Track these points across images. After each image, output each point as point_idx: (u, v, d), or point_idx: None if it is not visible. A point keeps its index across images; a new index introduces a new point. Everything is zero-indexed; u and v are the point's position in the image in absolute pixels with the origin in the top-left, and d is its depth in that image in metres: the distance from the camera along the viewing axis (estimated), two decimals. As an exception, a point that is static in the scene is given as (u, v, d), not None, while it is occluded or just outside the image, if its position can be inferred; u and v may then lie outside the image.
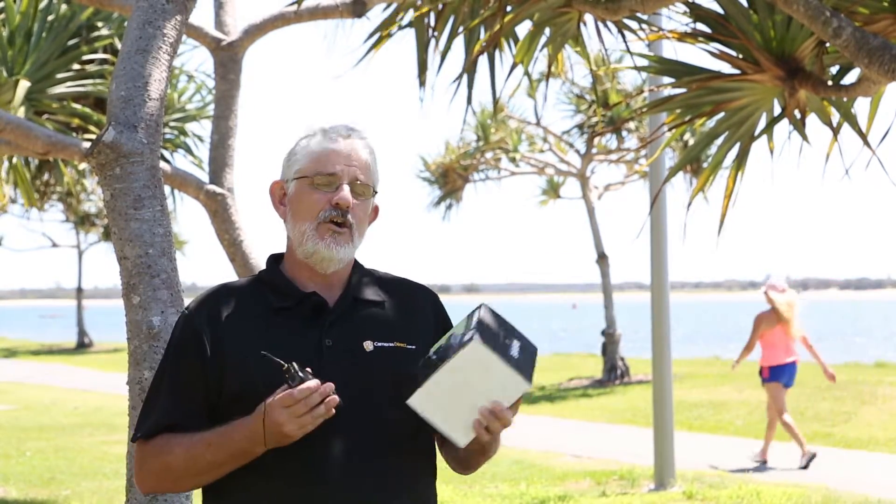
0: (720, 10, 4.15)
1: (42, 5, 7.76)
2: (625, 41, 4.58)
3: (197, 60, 46.05)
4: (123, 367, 3.89)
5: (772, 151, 4.39)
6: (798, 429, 10.60)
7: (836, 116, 4.26)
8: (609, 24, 4.63)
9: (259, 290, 2.33)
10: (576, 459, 11.03)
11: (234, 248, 6.33)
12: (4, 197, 9.07)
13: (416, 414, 2.15)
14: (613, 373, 18.49)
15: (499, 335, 2.14)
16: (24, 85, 7.45)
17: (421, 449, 2.27)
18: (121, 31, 8.30)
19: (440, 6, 4.88)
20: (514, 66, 4.87)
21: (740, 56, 4.12)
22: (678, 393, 13.97)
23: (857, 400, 14.78)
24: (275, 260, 2.39)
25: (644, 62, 4.69)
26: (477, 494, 8.94)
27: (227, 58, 6.56)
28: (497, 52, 5.40)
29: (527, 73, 5.08)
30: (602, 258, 18.97)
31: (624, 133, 18.94)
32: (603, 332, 18.71)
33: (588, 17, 4.60)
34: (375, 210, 2.40)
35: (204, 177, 6.56)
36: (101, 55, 8.27)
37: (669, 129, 4.65)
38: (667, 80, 4.86)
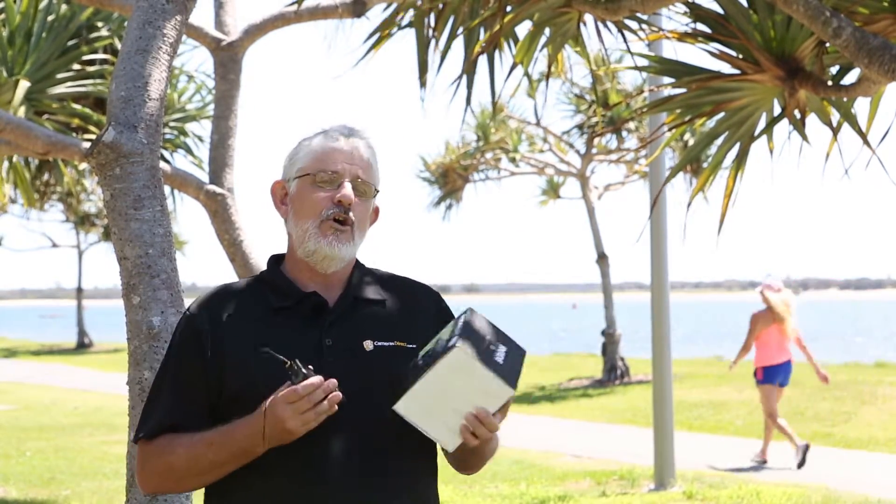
0: (720, 10, 4.15)
1: (42, 5, 7.76)
2: (625, 41, 4.58)
3: (197, 60, 46.07)
4: (123, 367, 3.89)
5: (772, 151, 4.39)
6: (789, 427, 10.59)
7: (836, 116, 4.26)
8: (609, 24, 4.63)
9: (259, 290, 2.34)
10: (576, 459, 11.03)
11: (234, 248, 6.33)
12: (4, 197, 9.07)
13: None
14: (613, 373, 18.49)
15: (483, 341, 2.14)
16: (24, 85, 7.45)
17: (422, 448, 2.27)
18: (121, 31, 8.30)
19: (440, 6, 4.88)
20: (514, 67, 4.86)
21: (740, 56, 4.12)
22: (678, 393, 13.96)
23: (857, 400, 14.78)
24: (275, 261, 2.40)
25: (644, 62, 4.68)
26: (477, 494, 8.94)
27: (227, 58, 6.56)
28: (497, 53, 5.40)
29: (527, 74, 5.08)
30: (602, 258, 18.97)
31: (624, 133, 18.95)
32: (603, 332, 18.71)
33: (588, 17, 4.60)
34: (376, 211, 2.40)
35: (204, 177, 6.56)
36: (101, 55, 8.28)
37: (669, 129, 4.65)
38: (667, 80, 4.86)
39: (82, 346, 34.12)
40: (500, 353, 2.15)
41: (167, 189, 6.90)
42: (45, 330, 58.12)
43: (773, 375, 10.54)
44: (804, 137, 4.23)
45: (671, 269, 9.64)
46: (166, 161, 7.53)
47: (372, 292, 2.35)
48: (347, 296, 2.31)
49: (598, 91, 17.16)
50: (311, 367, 2.14)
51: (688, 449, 10.81)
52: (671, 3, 4.04)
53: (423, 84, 5.46)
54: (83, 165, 8.70)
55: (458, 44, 5.24)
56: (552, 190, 21.62)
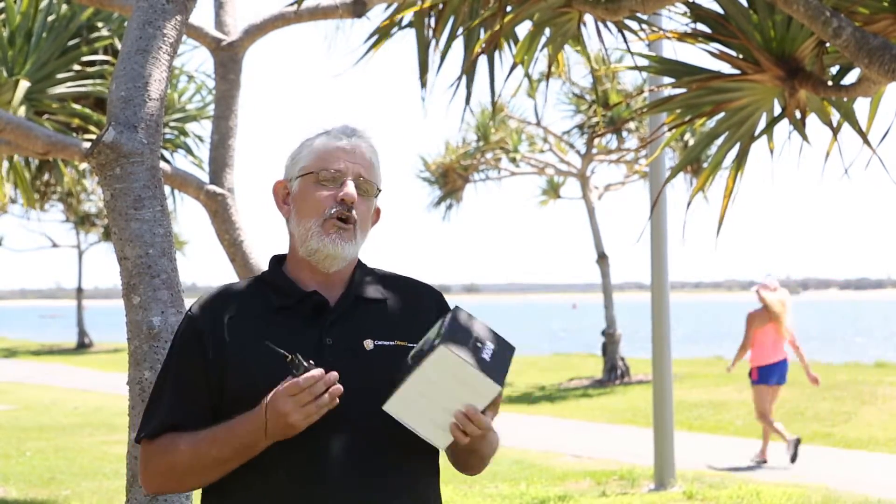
0: (720, 10, 4.15)
1: (42, 5, 7.76)
2: (625, 41, 4.57)
3: (197, 60, 46.07)
4: (123, 367, 3.89)
5: (772, 151, 4.39)
6: (779, 425, 10.63)
7: (836, 116, 4.26)
8: (609, 24, 4.63)
9: (261, 290, 2.34)
10: (576, 459, 11.03)
11: (234, 248, 6.33)
12: (4, 197, 9.07)
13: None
14: (613, 373, 18.50)
15: (469, 339, 2.15)
16: (24, 85, 7.45)
17: (423, 448, 2.27)
18: (121, 32, 8.30)
19: (440, 6, 4.88)
20: (514, 67, 4.86)
21: (740, 56, 4.12)
22: (678, 393, 13.96)
23: (857, 400, 14.78)
24: (277, 261, 2.40)
25: (644, 62, 4.68)
26: (477, 494, 8.95)
27: (227, 58, 6.56)
28: (497, 53, 5.40)
29: (527, 74, 5.08)
30: (602, 258, 18.98)
31: (624, 133, 18.95)
32: (603, 332, 18.71)
33: (588, 17, 4.60)
34: (377, 212, 2.40)
35: (204, 177, 6.56)
36: (101, 55, 8.28)
37: (669, 129, 4.65)
38: (667, 80, 4.86)
39: (82, 346, 34.12)
40: (487, 351, 2.16)
41: (167, 189, 6.90)
42: (45, 330, 58.12)
43: (767, 375, 10.56)
44: (804, 137, 4.23)
45: (671, 269, 9.65)
46: (166, 161, 7.53)
47: (373, 292, 2.35)
48: (348, 295, 2.31)
49: (598, 91, 17.15)
50: (311, 361, 2.14)
51: (688, 449, 10.81)
52: (671, 3, 4.04)
53: (423, 84, 5.46)
54: (83, 165, 8.70)
55: (459, 44, 5.24)
56: (552, 190, 21.62)
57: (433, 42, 5.09)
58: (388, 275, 2.41)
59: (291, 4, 6.48)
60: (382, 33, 5.30)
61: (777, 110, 4.28)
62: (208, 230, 6.88)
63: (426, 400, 2.13)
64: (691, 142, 15.02)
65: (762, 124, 4.37)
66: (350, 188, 2.29)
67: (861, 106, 4.27)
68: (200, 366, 2.26)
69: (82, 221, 31.33)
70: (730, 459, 10.75)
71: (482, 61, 5.34)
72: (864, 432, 12.24)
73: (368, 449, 2.20)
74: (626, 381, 18.29)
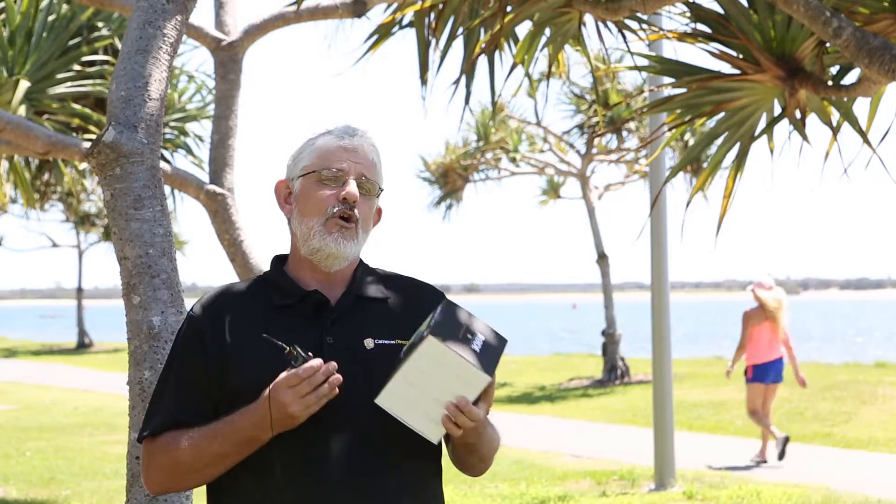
0: (720, 10, 4.15)
1: (42, 5, 7.76)
2: (625, 41, 4.57)
3: (197, 60, 46.03)
4: (123, 367, 3.90)
5: (772, 151, 4.39)
6: (767, 421, 10.69)
7: (836, 116, 4.26)
8: (609, 24, 4.63)
9: (262, 289, 2.35)
10: (576, 459, 11.03)
11: (234, 248, 6.33)
12: (4, 197, 9.07)
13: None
14: (613, 373, 18.49)
15: (458, 330, 2.15)
16: (24, 85, 7.45)
17: (424, 448, 2.27)
18: (121, 31, 8.30)
19: (440, 6, 4.88)
20: (514, 67, 4.86)
21: (740, 56, 4.12)
22: (678, 393, 13.96)
23: (857, 400, 14.77)
24: (279, 261, 2.40)
25: (644, 62, 4.68)
26: (477, 494, 8.95)
27: (228, 58, 6.56)
28: (497, 53, 5.40)
29: (527, 74, 5.08)
30: (602, 258, 18.98)
31: (624, 133, 18.95)
32: (603, 332, 18.71)
33: (588, 18, 4.60)
34: (379, 212, 2.41)
35: (204, 177, 6.56)
36: (101, 55, 8.28)
37: (669, 129, 4.65)
38: (667, 80, 4.86)
39: (82, 346, 34.12)
40: (477, 342, 2.16)
41: (167, 189, 6.90)
42: (45, 330, 58.13)
43: (762, 374, 10.60)
44: (804, 137, 4.23)
45: (671, 269, 9.65)
46: (166, 161, 7.53)
47: (374, 291, 2.35)
48: (349, 294, 2.32)
49: (598, 91, 17.11)
50: (310, 353, 2.15)
51: (688, 449, 10.81)
52: (671, 3, 4.04)
53: (423, 82, 5.46)
54: (83, 165, 8.70)
55: (459, 44, 5.24)
56: (552, 190, 21.61)
57: (433, 42, 5.09)
58: (389, 274, 2.42)
59: (291, 4, 6.48)
60: (382, 33, 5.30)
61: (777, 110, 4.28)
62: (208, 230, 6.89)
63: (417, 392, 2.13)
64: (691, 142, 15.02)
65: (762, 124, 4.37)
66: (352, 187, 2.29)
67: (861, 106, 4.27)
68: (202, 365, 2.26)
69: (82, 221, 31.33)
70: (730, 459, 10.75)
71: (482, 61, 5.34)
72: (864, 432, 12.23)
73: (368, 448, 2.20)
74: (626, 381, 18.29)
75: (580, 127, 19.03)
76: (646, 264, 9.67)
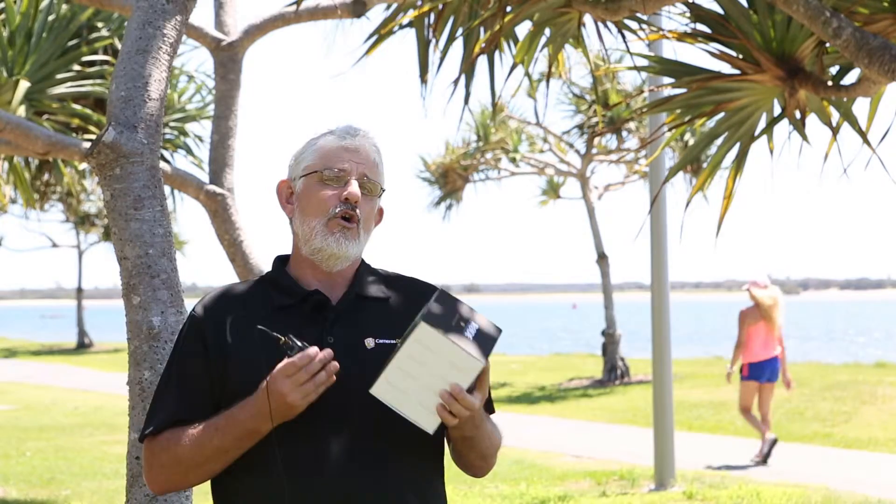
0: (720, 11, 4.15)
1: (42, 6, 7.76)
2: (625, 41, 4.57)
3: (197, 60, 46.09)
4: (123, 367, 3.90)
5: (772, 151, 4.39)
6: (758, 422, 10.75)
7: (836, 116, 4.26)
8: (609, 24, 4.63)
9: (263, 289, 2.35)
10: (576, 459, 11.03)
11: (234, 248, 6.33)
12: (4, 197, 9.07)
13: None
14: (613, 373, 18.49)
15: (451, 318, 2.15)
16: (24, 85, 7.45)
17: (425, 448, 2.27)
18: (121, 32, 8.31)
19: (440, 6, 4.88)
20: (514, 67, 4.86)
21: (740, 56, 4.12)
22: (678, 393, 13.97)
23: (857, 400, 14.78)
24: (281, 261, 2.41)
25: (644, 62, 4.68)
26: (477, 494, 8.95)
27: (227, 58, 6.56)
28: (497, 53, 5.40)
29: (527, 74, 5.08)
30: (602, 258, 18.98)
31: (624, 133, 18.95)
32: (603, 333, 18.71)
33: (588, 18, 4.60)
34: (380, 212, 2.41)
35: (204, 177, 6.56)
36: (101, 55, 8.28)
37: (669, 130, 4.65)
38: (667, 80, 4.86)
39: (82, 346, 34.13)
40: (471, 330, 2.16)
41: (167, 189, 6.91)
42: (45, 330, 58.16)
43: (758, 372, 10.64)
44: (804, 137, 4.23)
45: (671, 269, 9.65)
46: (166, 161, 7.53)
47: (375, 291, 2.35)
48: (350, 294, 2.32)
49: (598, 91, 17.14)
50: (305, 342, 2.15)
51: (688, 449, 10.82)
52: (671, 3, 4.04)
53: (423, 81, 5.46)
54: (83, 165, 8.70)
55: (459, 44, 5.24)
56: (552, 190, 21.61)
57: (433, 42, 5.10)
58: (390, 275, 2.42)
59: (291, 4, 6.48)
60: (382, 33, 5.30)
61: (777, 110, 4.28)
62: (208, 230, 6.89)
63: (411, 381, 2.13)
64: (691, 142, 15.02)
65: (762, 124, 4.37)
66: (354, 187, 2.30)
67: (861, 106, 4.28)
68: (203, 365, 2.27)
69: (82, 221, 31.34)
70: (730, 459, 10.75)
71: (482, 61, 5.34)
72: (864, 432, 12.23)
73: (369, 447, 2.21)
74: (626, 381, 18.29)
75: (580, 127, 19.04)
76: (646, 264, 9.67)
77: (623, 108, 17.58)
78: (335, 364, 2.14)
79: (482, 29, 5.03)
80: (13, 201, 20.05)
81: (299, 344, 2.14)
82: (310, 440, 2.18)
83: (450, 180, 20.50)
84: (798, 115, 4.16)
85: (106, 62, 8.31)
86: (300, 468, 2.18)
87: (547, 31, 4.76)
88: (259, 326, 2.19)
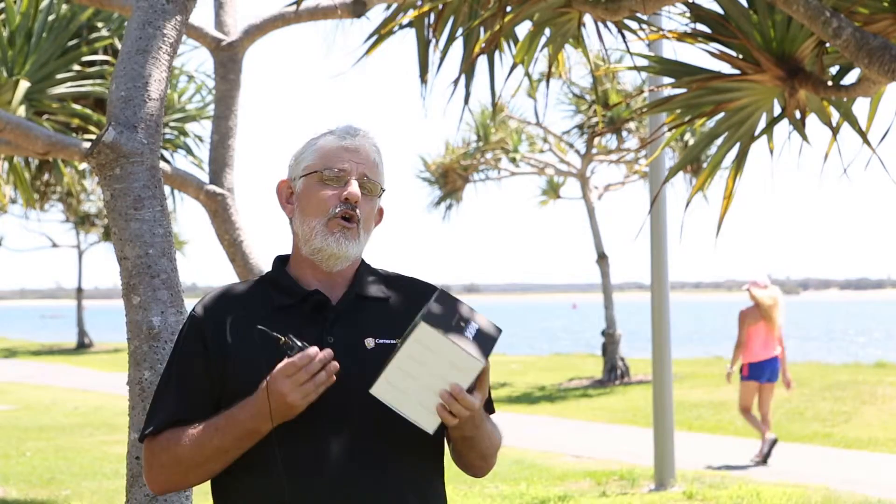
0: (720, 11, 4.15)
1: (42, 5, 7.76)
2: (625, 41, 4.57)
3: (197, 60, 46.07)
4: (123, 367, 3.90)
5: (772, 151, 4.39)
6: (759, 422, 10.77)
7: (836, 116, 4.26)
8: (609, 24, 4.63)
9: (263, 290, 2.35)
10: (576, 459, 11.03)
11: (234, 248, 6.33)
12: (4, 197, 9.07)
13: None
14: (613, 373, 18.49)
15: (451, 317, 2.15)
16: (24, 85, 7.45)
17: (425, 448, 2.27)
18: (121, 32, 8.31)
19: (440, 6, 4.88)
20: (514, 67, 4.86)
21: (740, 56, 4.12)
22: (678, 393, 13.96)
23: (857, 400, 14.78)
24: (281, 261, 2.41)
25: (644, 62, 4.68)
26: (477, 494, 8.95)
27: (227, 58, 6.56)
28: (497, 53, 5.40)
29: (527, 74, 5.08)
30: (602, 258, 18.98)
31: (624, 133, 18.95)
32: (603, 333, 18.71)
33: (588, 18, 4.60)
34: (381, 212, 2.41)
35: (204, 177, 6.56)
36: (101, 55, 8.28)
37: (669, 130, 4.65)
38: (667, 80, 4.86)
39: (82, 346, 34.13)
40: (471, 330, 2.15)
41: (167, 189, 6.90)
42: (45, 330, 58.16)
43: (757, 372, 10.66)
44: (804, 137, 4.23)
45: (671, 269, 9.65)
46: (166, 161, 7.53)
47: (375, 291, 2.35)
48: (350, 294, 2.32)
49: (598, 91, 17.13)
50: (305, 342, 2.15)
51: (688, 449, 10.82)
52: (671, 3, 4.04)
53: (423, 80, 5.46)
54: (83, 165, 8.70)
55: (459, 43, 5.24)
56: (552, 190, 21.61)
57: (433, 42, 5.10)
58: (390, 275, 2.42)
59: (291, 4, 6.48)
60: (382, 33, 5.30)
61: (777, 110, 4.28)
62: (208, 230, 6.89)
63: (411, 381, 2.13)
64: (691, 142, 15.02)
65: (762, 124, 4.37)
66: (354, 187, 2.30)
67: (861, 106, 4.28)
68: (203, 365, 2.27)
69: (82, 221, 31.34)
70: (730, 459, 10.75)
71: (482, 61, 5.34)
72: (864, 432, 12.23)
73: (369, 447, 2.21)
74: (626, 381, 18.29)
75: (580, 127, 19.04)
76: (646, 264, 9.67)
77: (623, 108, 17.58)
78: (335, 364, 2.14)
79: (482, 29, 5.03)
80: (13, 201, 20.05)
81: (299, 344, 2.14)
82: (310, 440, 2.18)
83: (450, 180, 20.50)
84: (798, 115, 4.16)
85: (106, 62, 8.31)
86: (300, 468, 2.18)
87: (547, 31, 4.76)
88: (259, 326, 2.19)
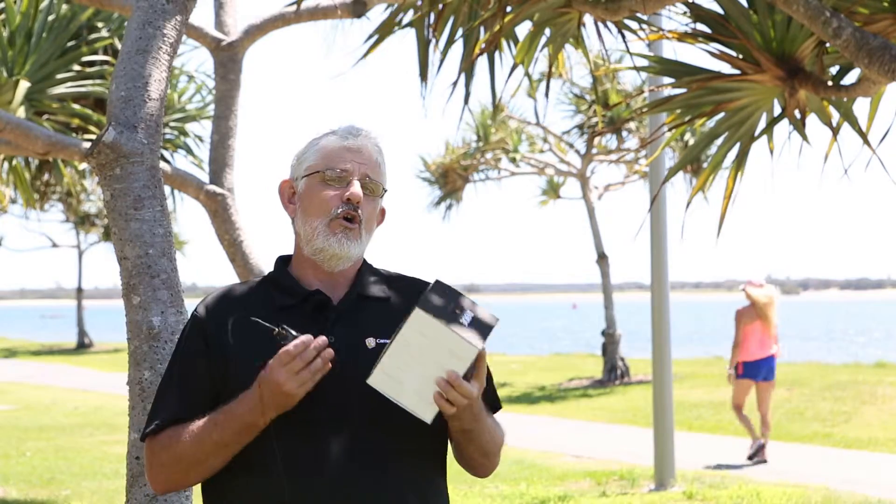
0: (720, 11, 4.15)
1: (42, 6, 7.76)
2: (625, 41, 4.57)
3: (197, 60, 46.03)
4: (123, 367, 3.90)
5: (772, 151, 4.39)
6: (749, 423, 10.85)
7: (836, 116, 4.26)
8: (609, 24, 4.63)
9: (265, 290, 2.35)
10: (576, 459, 11.03)
11: (234, 248, 6.33)
12: (4, 198, 9.07)
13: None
14: (613, 373, 18.50)
15: (446, 305, 2.15)
16: (24, 85, 7.45)
17: (426, 447, 2.27)
18: (121, 32, 8.31)
19: (440, 7, 4.88)
20: (514, 67, 4.87)
21: (740, 56, 4.12)
22: (678, 393, 13.96)
23: (857, 400, 14.77)
24: (283, 261, 2.41)
25: (644, 62, 4.68)
26: (477, 494, 8.95)
27: (227, 58, 6.56)
28: (497, 53, 5.40)
29: (527, 74, 5.08)
30: (602, 258, 18.98)
31: (624, 133, 18.95)
32: (603, 333, 18.71)
33: (588, 18, 4.60)
34: (382, 212, 2.41)
35: (204, 177, 6.56)
36: (101, 56, 8.28)
37: (669, 130, 4.65)
38: (667, 80, 4.86)
39: (82, 346, 34.14)
40: (466, 317, 2.15)
41: (167, 189, 6.90)
42: (45, 330, 58.16)
43: (753, 371, 10.70)
44: (804, 138, 4.23)
45: (671, 269, 9.65)
46: (166, 161, 7.53)
47: (377, 291, 2.36)
48: (352, 294, 2.32)
49: (598, 91, 17.15)
50: (300, 333, 2.15)
51: (688, 449, 10.82)
52: (671, 3, 4.04)
53: (423, 79, 5.46)
54: (83, 165, 8.71)
55: (459, 44, 5.24)
56: (552, 190, 21.62)
57: (433, 42, 5.10)
58: (392, 275, 2.42)
59: (291, 4, 6.48)
60: (382, 33, 5.30)
61: (777, 110, 4.28)
62: (208, 230, 6.89)
63: (408, 370, 2.13)
64: (691, 142, 15.02)
65: (762, 124, 4.37)
66: (356, 188, 2.30)
67: (861, 106, 4.27)
68: (204, 365, 2.27)
69: (82, 221, 31.35)
70: (730, 459, 10.75)
71: (482, 61, 5.34)
72: (864, 432, 12.24)
73: (370, 447, 2.20)
74: (626, 381, 18.29)
75: (580, 127, 19.04)
76: (646, 264, 9.67)
77: (623, 108, 17.58)
78: (329, 351, 2.14)
79: (482, 29, 5.03)
80: (13, 201, 20.05)
81: (293, 333, 2.15)
82: (310, 440, 2.18)
83: (450, 180, 20.50)
84: (798, 115, 4.16)
85: (106, 62, 8.31)
86: (300, 468, 2.18)
87: (547, 31, 4.76)
88: (253, 318, 2.20)
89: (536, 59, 4.91)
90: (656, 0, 3.95)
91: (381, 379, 2.14)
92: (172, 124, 9.24)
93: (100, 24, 8.31)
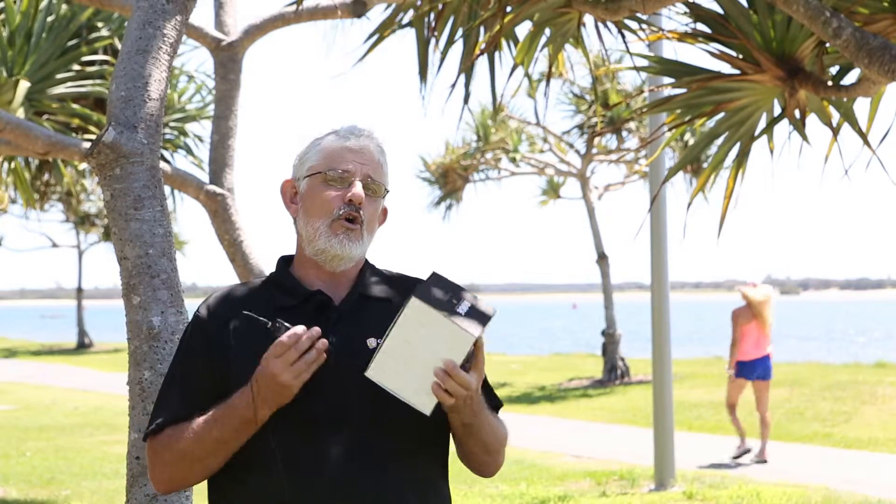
0: (720, 11, 4.15)
1: (42, 5, 7.76)
2: (625, 41, 4.57)
3: (197, 60, 46.03)
4: (123, 367, 3.90)
5: (772, 151, 4.39)
6: (742, 424, 10.92)
7: (836, 117, 4.26)
8: (609, 24, 4.63)
9: (266, 290, 2.35)
10: (576, 459, 11.03)
11: (234, 248, 6.33)
12: (6, 200, 9.07)
13: (420, 413, 2.15)
14: (613, 373, 18.50)
15: (443, 294, 2.15)
16: (24, 85, 7.45)
17: (427, 448, 2.27)
18: (121, 32, 8.31)
19: (440, 6, 4.88)
20: (514, 67, 4.87)
21: (740, 56, 4.12)
22: (678, 393, 13.96)
23: (857, 400, 14.77)
24: (285, 261, 2.41)
25: (644, 62, 4.68)
26: (477, 494, 8.95)
27: (227, 58, 6.56)
28: (497, 53, 5.40)
29: (527, 74, 5.08)
30: (602, 258, 18.98)
31: (624, 133, 18.95)
32: (603, 333, 18.71)
33: (588, 18, 4.60)
34: (384, 212, 2.41)
35: (204, 177, 6.56)
36: (101, 55, 8.28)
37: (669, 129, 4.65)
38: (667, 80, 4.86)
39: (82, 346, 34.14)
40: (463, 307, 2.15)
41: (167, 189, 6.91)
42: (45, 330, 58.16)
43: (747, 371, 10.74)
44: (804, 138, 4.23)
45: (671, 269, 9.65)
46: (166, 161, 7.53)
47: (378, 291, 2.35)
48: (353, 294, 2.32)
49: (598, 91, 17.16)
50: (294, 326, 2.15)
51: (688, 449, 10.82)
52: (671, 3, 4.04)
53: (423, 79, 5.46)
54: (83, 165, 8.70)
55: (459, 44, 5.24)
56: (552, 190, 21.62)
57: (433, 42, 5.10)
58: (394, 275, 2.42)
59: (291, 4, 6.48)
60: (382, 33, 5.30)
61: (777, 110, 4.28)
62: (208, 230, 6.89)
63: (405, 360, 2.12)
64: (691, 142, 15.02)
65: (762, 124, 4.37)
66: (358, 189, 2.29)
67: (861, 106, 4.27)
68: (206, 365, 2.27)
69: (82, 221, 31.34)
70: (730, 459, 10.75)
71: (482, 61, 5.34)
72: (864, 432, 12.23)
73: (371, 447, 2.20)
74: (626, 381, 18.29)
75: (580, 127, 19.04)
76: (646, 264, 9.68)
77: (623, 108, 17.58)
78: (324, 342, 2.14)
79: (482, 29, 5.03)
80: (13, 201, 20.05)
81: (287, 326, 2.15)
82: (310, 440, 2.18)
83: (450, 180, 20.50)
84: (798, 115, 4.16)
85: (106, 62, 8.31)
86: (300, 468, 2.18)
87: (547, 31, 4.76)
88: (245, 312, 2.20)
89: (536, 59, 4.91)
90: (656, 0, 3.94)
91: (379, 371, 2.14)
92: (172, 124, 9.24)
93: (100, 24, 8.31)
